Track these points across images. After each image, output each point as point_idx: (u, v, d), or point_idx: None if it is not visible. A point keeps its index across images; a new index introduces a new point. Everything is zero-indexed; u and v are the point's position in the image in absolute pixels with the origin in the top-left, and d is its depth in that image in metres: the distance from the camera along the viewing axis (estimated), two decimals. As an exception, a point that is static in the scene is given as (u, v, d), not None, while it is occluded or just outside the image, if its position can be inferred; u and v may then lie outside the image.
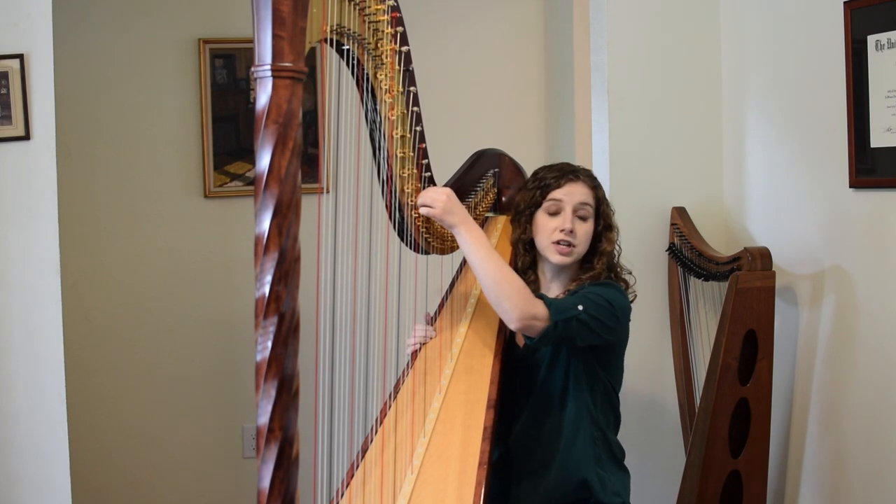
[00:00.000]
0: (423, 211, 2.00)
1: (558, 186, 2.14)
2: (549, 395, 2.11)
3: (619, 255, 2.22)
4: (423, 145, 2.00)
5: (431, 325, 2.23)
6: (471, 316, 2.20)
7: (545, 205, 2.15)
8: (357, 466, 1.93)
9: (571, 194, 2.13)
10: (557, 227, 2.11)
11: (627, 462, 2.21)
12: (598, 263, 2.15)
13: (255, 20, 1.33)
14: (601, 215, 2.17)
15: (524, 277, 2.21)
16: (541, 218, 2.15)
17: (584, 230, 2.13)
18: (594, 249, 2.17)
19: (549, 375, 2.11)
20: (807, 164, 2.68)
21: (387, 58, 1.81)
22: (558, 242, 2.11)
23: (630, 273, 2.22)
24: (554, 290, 2.20)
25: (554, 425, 2.11)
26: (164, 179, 3.59)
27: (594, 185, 2.18)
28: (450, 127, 3.50)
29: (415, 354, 2.18)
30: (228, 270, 3.61)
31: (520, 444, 2.15)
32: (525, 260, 2.21)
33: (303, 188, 1.38)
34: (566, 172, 2.17)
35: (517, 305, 1.96)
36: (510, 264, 2.24)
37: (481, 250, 2.00)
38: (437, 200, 1.98)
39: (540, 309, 1.98)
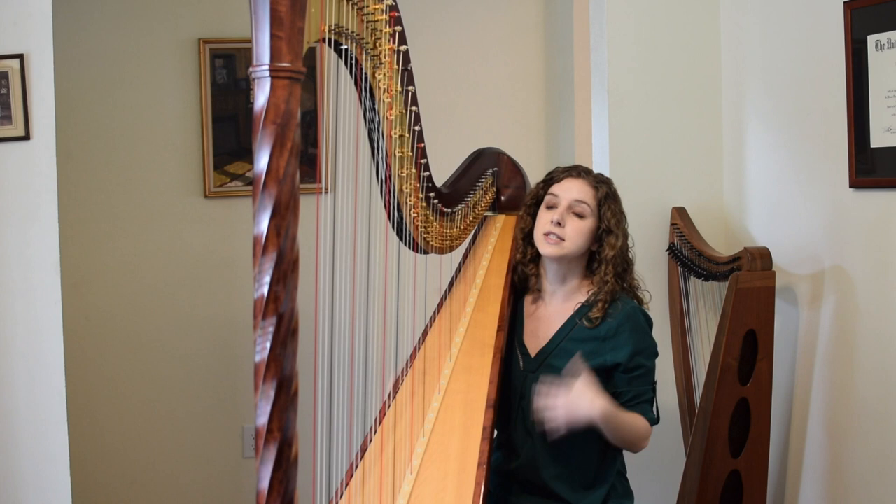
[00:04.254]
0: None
1: (559, 181, 2.16)
2: (579, 442, 2.05)
3: (631, 267, 2.15)
4: (422, 145, 2.00)
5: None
6: (470, 315, 2.20)
7: (546, 199, 2.16)
8: (356, 466, 1.93)
9: (569, 190, 2.13)
10: (549, 220, 2.12)
11: (628, 461, 2.22)
12: (606, 274, 2.09)
13: (253, 20, 1.32)
14: (602, 217, 2.11)
15: (526, 270, 2.20)
16: (541, 211, 2.17)
17: (577, 227, 2.10)
18: (597, 256, 2.12)
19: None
20: (807, 164, 2.67)
21: (385, 57, 1.81)
22: (548, 234, 2.11)
23: (646, 290, 2.18)
24: (558, 297, 2.17)
25: (578, 465, 2.09)
26: (164, 179, 3.59)
27: (596, 185, 2.13)
28: (449, 126, 3.51)
29: (414, 353, 2.18)
30: (228, 270, 3.60)
31: (535, 473, 2.10)
32: (529, 252, 2.20)
33: (301, 188, 1.38)
34: (571, 169, 2.18)
35: (637, 446, 2.09)
36: (510, 259, 2.24)
37: (610, 428, 1.99)
38: (557, 414, 1.92)
39: (649, 432, 2.09)
